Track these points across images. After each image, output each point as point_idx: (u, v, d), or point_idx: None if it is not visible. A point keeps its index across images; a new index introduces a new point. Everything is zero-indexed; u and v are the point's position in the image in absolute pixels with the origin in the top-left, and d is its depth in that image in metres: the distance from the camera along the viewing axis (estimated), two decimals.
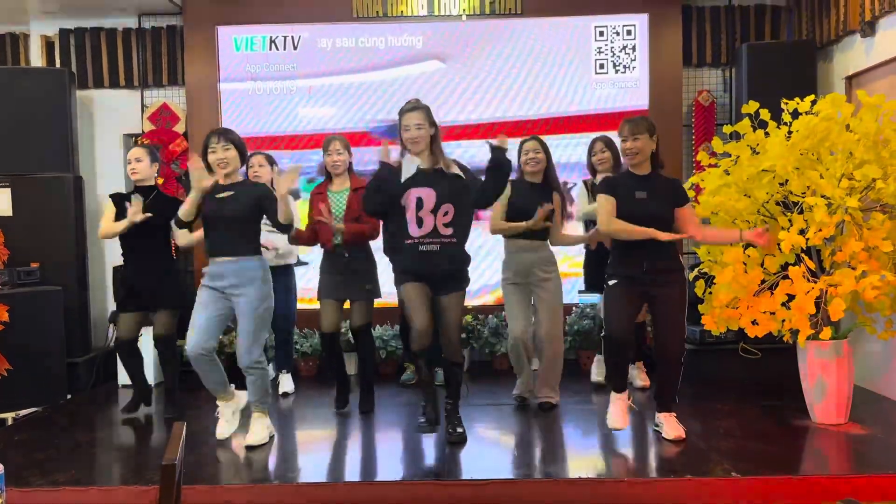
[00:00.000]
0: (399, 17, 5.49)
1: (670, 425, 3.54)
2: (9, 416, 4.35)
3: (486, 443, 3.65)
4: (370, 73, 5.54)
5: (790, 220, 3.65)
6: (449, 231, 3.40)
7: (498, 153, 3.29)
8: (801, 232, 3.58)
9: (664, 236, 3.36)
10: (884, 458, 3.27)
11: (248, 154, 4.34)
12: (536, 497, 3.00)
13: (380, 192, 3.49)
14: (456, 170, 3.45)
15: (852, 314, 3.73)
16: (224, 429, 3.73)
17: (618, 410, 3.57)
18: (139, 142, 5.50)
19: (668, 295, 3.45)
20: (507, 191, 3.96)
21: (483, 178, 3.40)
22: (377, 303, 4.22)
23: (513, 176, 4.04)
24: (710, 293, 3.82)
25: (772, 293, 3.64)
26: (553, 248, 4.14)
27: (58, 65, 5.71)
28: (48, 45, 5.75)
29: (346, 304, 4.16)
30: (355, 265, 4.06)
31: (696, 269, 4.05)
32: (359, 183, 4.11)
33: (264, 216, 3.61)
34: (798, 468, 3.22)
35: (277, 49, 5.54)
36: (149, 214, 3.91)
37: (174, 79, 5.72)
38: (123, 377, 5.03)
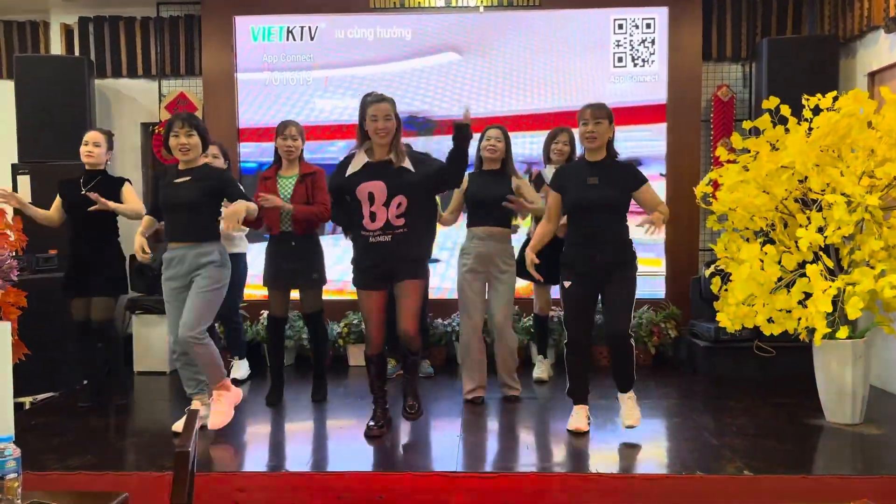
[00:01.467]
0: (416, 8, 5.47)
1: (628, 408, 3.55)
2: (26, 401, 4.40)
3: (492, 436, 3.67)
4: (387, 64, 5.52)
5: (809, 218, 3.61)
6: (401, 222, 3.38)
7: (464, 129, 3.35)
8: (820, 230, 3.54)
9: (531, 254, 3.55)
10: None
11: None
12: (551, 491, 3.00)
13: (341, 203, 3.55)
14: (406, 163, 3.42)
15: (870, 314, 3.69)
16: (216, 417, 3.67)
17: (580, 418, 3.59)
18: (158, 131, 5.52)
19: (617, 283, 3.45)
20: (464, 183, 4.06)
21: (447, 158, 3.43)
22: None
23: (470, 168, 4.12)
24: (726, 290, 3.79)
25: (788, 291, 3.61)
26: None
27: (77, 53, 5.74)
28: (68, 33, 5.78)
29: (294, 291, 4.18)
30: (302, 252, 4.04)
31: (713, 266, 4.02)
32: (308, 169, 4.10)
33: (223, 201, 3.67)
34: (812, 468, 3.20)
35: (294, 39, 5.54)
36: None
37: (191, 68, 5.73)
38: (138, 364, 5.09)
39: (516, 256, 4.26)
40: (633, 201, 3.52)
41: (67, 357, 4.73)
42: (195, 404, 3.62)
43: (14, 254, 4.09)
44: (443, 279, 5.33)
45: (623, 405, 3.58)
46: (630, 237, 3.54)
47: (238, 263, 4.57)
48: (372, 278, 3.47)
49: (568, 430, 3.57)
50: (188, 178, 3.57)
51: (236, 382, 4.56)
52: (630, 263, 3.51)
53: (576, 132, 3.79)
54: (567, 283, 3.51)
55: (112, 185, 4.11)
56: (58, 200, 4.19)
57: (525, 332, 5.10)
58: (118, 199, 4.06)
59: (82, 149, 4.09)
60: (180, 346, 3.60)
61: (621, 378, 3.58)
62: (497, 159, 4.10)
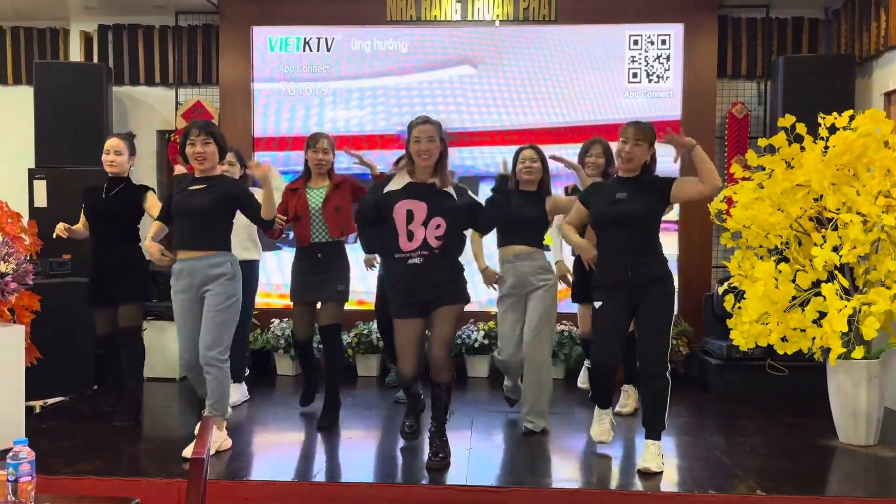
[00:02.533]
0: (433, 21, 5.51)
1: (651, 453, 3.23)
2: (37, 405, 4.41)
3: (502, 451, 3.65)
4: (402, 76, 5.56)
5: (824, 237, 3.59)
6: (438, 244, 3.24)
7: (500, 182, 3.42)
8: (835, 249, 3.52)
9: (586, 253, 3.47)
10: None
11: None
12: None
13: (375, 206, 3.34)
14: (450, 189, 3.32)
15: (885, 334, 3.66)
16: (217, 444, 3.55)
17: (603, 425, 3.52)
18: (174, 139, 5.57)
19: (652, 303, 3.26)
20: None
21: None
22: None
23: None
24: (740, 308, 3.77)
25: (803, 310, 3.58)
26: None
27: (95, 60, 5.80)
28: (87, 40, 5.85)
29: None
30: (330, 265, 3.93)
31: (726, 284, 4.00)
32: (339, 179, 4.01)
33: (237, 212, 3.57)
34: (824, 489, 3.17)
35: (311, 50, 5.58)
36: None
37: (208, 77, 5.79)
38: (149, 370, 5.09)
39: (571, 277, 4.17)
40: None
41: (78, 361, 4.76)
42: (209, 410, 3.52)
43: (29, 258, 4.13)
44: None
45: (646, 450, 3.26)
46: (664, 254, 3.37)
47: (252, 271, 4.47)
48: (409, 307, 3.30)
49: (591, 437, 3.53)
50: (203, 186, 3.49)
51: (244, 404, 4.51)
52: (666, 279, 3.31)
53: (613, 144, 3.66)
54: (598, 304, 3.34)
55: (135, 193, 4.05)
56: (84, 212, 4.15)
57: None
58: (141, 208, 4.03)
59: (104, 157, 4.02)
60: (187, 368, 3.51)
61: (652, 422, 3.26)
62: (534, 181, 3.88)
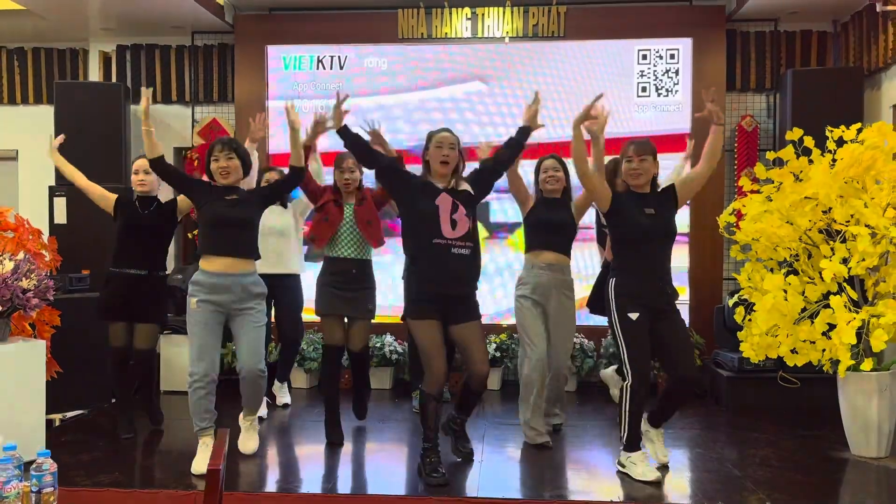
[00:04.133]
0: (444, 38, 5.59)
1: (661, 444, 3.56)
2: (56, 418, 4.49)
3: (514, 463, 3.67)
4: (414, 92, 5.64)
5: (832, 249, 3.61)
6: (475, 239, 3.39)
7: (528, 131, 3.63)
8: (844, 261, 3.54)
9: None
10: None
11: (262, 169, 4.51)
12: None
13: (395, 169, 3.51)
14: (466, 186, 3.45)
15: (895, 346, 3.66)
16: (250, 443, 3.72)
17: (650, 467, 3.35)
18: (191, 156, 5.67)
19: (676, 317, 3.39)
20: (527, 209, 4.03)
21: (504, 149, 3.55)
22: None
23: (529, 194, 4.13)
24: (750, 320, 3.79)
25: (812, 322, 3.60)
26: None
27: (114, 79, 5.93)
28: (106, 60, 5.98)
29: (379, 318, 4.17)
30: (361, 283, 3.94)
31: (736, 296, 4.02)
32: (360, 195, 4.04)
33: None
34: (836, 501, 3.17)
35: (324, 68, 5.68)
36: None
37: (224, 95, 5.89)
38: (165, 384, 5.18)
39: (590, 292, 4.27)
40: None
41: (96, 375, 4.83)
42: (205, 440, 3.47)
43: (49, 274, 4.21)
44: None
45: (657, 440, 3.55)
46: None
47: (297, 283, 4.63)
48: (429, 306, 3.29)
49: (643, 482, 3.28)
50: (236, 196, 3.52)
51: (285, 407, 4.74)
52: (677, 295, 3.48)
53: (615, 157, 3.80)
54: (634, 315, 3.32)
55: (168, 210, 4.11)
56: (111, 199, 4.09)
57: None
58: (175, 223, 4.10)
59: (134, 178, 4.06)
60: (199, 380, 3.44)
61: (667, 416, 3.52)
62: (559, 189, 3.99)
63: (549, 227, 3.92)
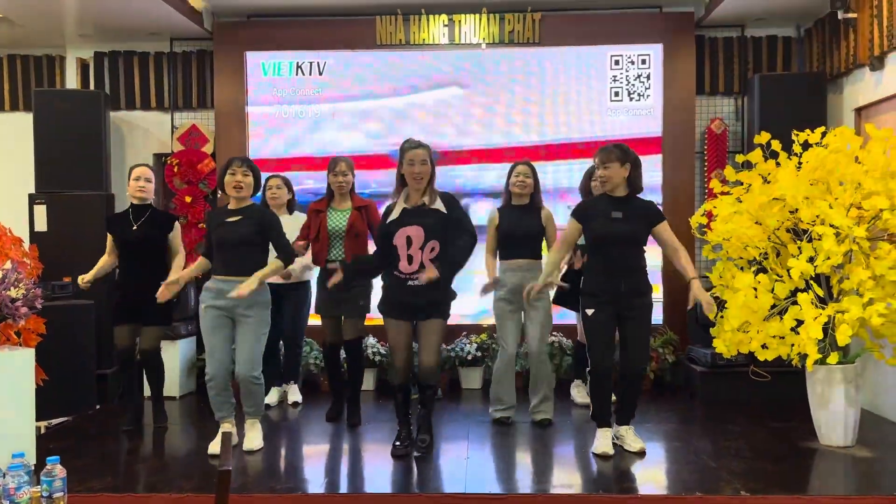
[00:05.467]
0: (421, 45, 5.68)
1: (631, 438, 3.77)
2: (41, 425, 4.51)
3: (498, 459, 3.78)
4: (392, 98, 5.73)
5: (800, 248, 3.78)
6: (435, 265, 3.57)
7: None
8: (811, 259, 3.70)
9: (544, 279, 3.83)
10: (889, 480, 3.38)
11: (267, 176, 4.71)
12: None
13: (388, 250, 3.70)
14: (439, 204, 3.63)
15: (861, 340, 3.84)
16: (256, 440, 3.89)
17: (606, 441, 3.74)
18: (170, 162, 5.69)
19: (639, 314, 3.67)
20: (496, 219, 4.32)
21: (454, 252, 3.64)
22: None
23: (499, 203, 4.47)
24: (722, 317, 3.94)
25: (781, 318, 3.76)
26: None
27: (92, 87, 5.93)
28: (83, 67, 5.97)
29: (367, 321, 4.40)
30: (353, 282, 4.13)
31: (708, 294, 4.17)
32: (361, 202, 4.32)
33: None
34: (806, 489, 3.32)
35: (304, 74, 5.75)
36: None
37: (203, 101, 5.92)
38: (149, 389, 5.19)
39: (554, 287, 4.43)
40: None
41: (81, 382, 4.85)
42: (225, 426, 3.80)
43: (35, 282, 4.23)
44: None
45: (626, 436, 3.79)
46: (646, 268, 3.76)
47: (304, 292, 4.82)
48: (400, 310, 3.68)
49: (594, 454, 3.72)
50: (239, 217, 3.76)
51: (295, 406, 4.86)
52: (649, 293, 3.73)
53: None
54: (590, 311, 3.68)
55: (165, 220, 4.31)
56: (110, 240, 4.34)
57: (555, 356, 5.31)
58: (167, 235, 4.26)
59: (133, 184, 4.26)
60: (214, 384, 3.73)
61: (628, 411, 3.81)
62: (526, 194, 4.32)
63: (517, 238, 4.28)
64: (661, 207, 5.48)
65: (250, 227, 3.74)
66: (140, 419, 4.46)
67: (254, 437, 3.87)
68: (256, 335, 3.75)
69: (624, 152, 3.70)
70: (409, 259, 3.59)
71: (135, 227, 4.24)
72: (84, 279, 4.20)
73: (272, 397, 4.89)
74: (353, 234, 4.21)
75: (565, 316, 5.02)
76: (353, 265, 3.87)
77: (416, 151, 3.61)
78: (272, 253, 3.86)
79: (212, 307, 3.74)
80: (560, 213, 5.03)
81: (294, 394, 4.95)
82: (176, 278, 3.91)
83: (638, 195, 3.76)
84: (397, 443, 3.78)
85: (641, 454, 3.70)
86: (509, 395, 4.35)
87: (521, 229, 4.26)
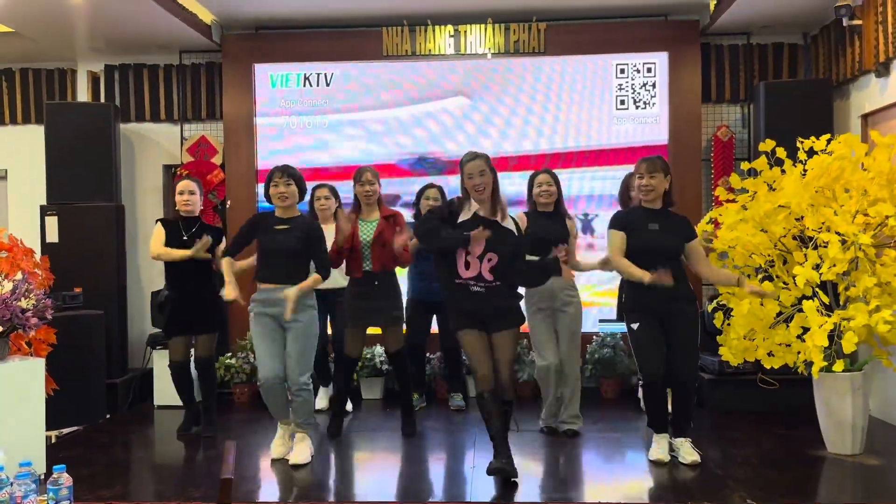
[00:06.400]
0: (427, 55, 5.72)
1: (686, 450, 3.71)
2: (52, 434, 4.55)
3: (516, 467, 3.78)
4: (399, 108, 5.77)
5: (805, 255, 3.77)
6: (491, 277, 3.51)
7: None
8: (816, 267, 3.69)
9: (648, 279, 3.56)
10: None
11: (314, 186, 4.77)
12: None
13: (443, 228, 3.55)
14: (510, 223, 3.61)
15: (868, 347, 3.83)
16: (280, 449, 3.92)
17: (663, 447, 3.73)
18: (180, 173, 5.75)
19: (683, 323, 3.67)
20: (524, 219, 4.25)
21: (531, 260, 3.67)
22: None
23: (525, 208, 4.44)
24: (729, 325, 3.94)
25: (787, 326, 3.75)
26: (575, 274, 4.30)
27: (103, 99, 6.00)
28: (94, 80, 6.05)
29: (370, 329, 4.34)
30: (385, 291, 4.21)
31: (715, 301, 4.17)
32: (388, 211, 4.30)
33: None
34: (813, 497, 3.31)
35: (311, 85, 5.80)
36: (209, 255, 4.21)
37: (212, 113, 5.98)
38: (159, 398, 5.24)
39: (619, 298, 4.33)
40: None
41: (91, 391, 4.90)
42: (281, 427, 3.94)
43: (45, 292, 4.28)
44: None
45: (682, 448, 3.73)
46: (687, 278, 3.78)
47: (328, 300, 4.71)
48: (473, 320, 3.55)
49: (650, 460, 3.73)
50: (287, 227, 3.82)
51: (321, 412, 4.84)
52: (694, 301, 3.75)
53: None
54: (635, 326, 3.69)
55: (214, 235, 4.34)
56: (161, 234, 4.32)
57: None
58: (216, 248, 4.29)
59: (179, 198, 4.36)
60: (267, 388, 3.77)
61: (682, 421, 3.76)
62: (551, 203, 4.32)
63: (546, 243, 4.09)
64: None
65: (298, 238, 3.79)
66: (197, 425, 4.45)
67: (301, 451, 3.82)
68: (305, 341, 3.81)
69: (667, 164, 3.76)
70: (467, 265, 3.52)
71: (186, 237, 4.31)
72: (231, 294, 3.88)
73: (322, 402, 4.95)
74: (380, 243, 4.16)
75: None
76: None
77: (473, 163, 3.54)
78: None
79: (261, 314, 3.80)
80: None
81: (324, 398, 4.99)
82: (230, 279, 3.84)
83: (670, 209, 3.80)
84: (493, 460, 3.45)
85: (693, 466, 3.64)
86: (550, 402, 4.28)
87: (549, 235, 4.15)
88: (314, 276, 3.81)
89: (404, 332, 4.44)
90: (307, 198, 4.41)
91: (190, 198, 4.35)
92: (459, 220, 3.58)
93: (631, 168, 4.37)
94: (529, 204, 4.39)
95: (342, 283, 4.51)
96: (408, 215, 4.88)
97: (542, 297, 4.21)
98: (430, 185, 4.84)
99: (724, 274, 3.81)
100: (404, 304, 4.44)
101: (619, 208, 4.53)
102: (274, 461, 3.84)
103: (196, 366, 4.41)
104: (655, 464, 3.67)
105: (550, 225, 4.26)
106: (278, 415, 3.91)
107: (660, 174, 3.70)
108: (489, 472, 3.43)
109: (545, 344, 4.21)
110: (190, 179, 4.45)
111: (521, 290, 3.80)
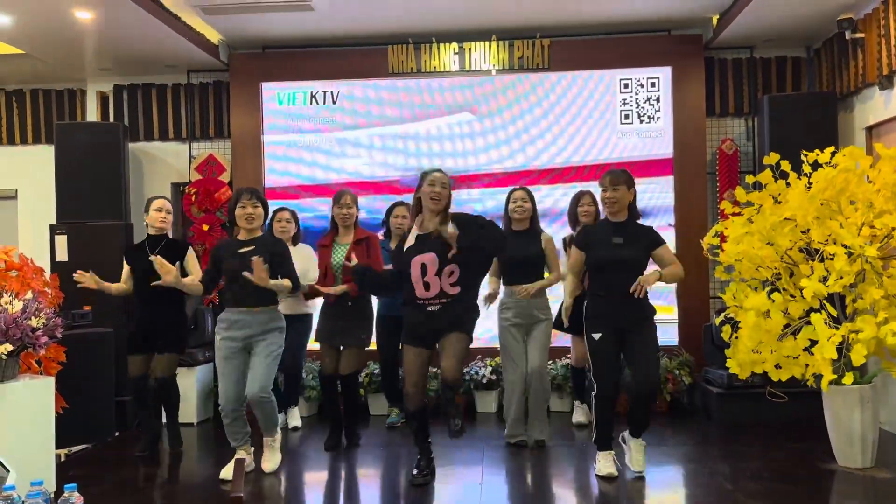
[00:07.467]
0: (432, 72, 5.77)
1: (639, 453, 3.74)
2: (61, 453, 4.56)
3: (515, 484, 3.78)
4: (405, 124, 5.81)
5: (812, 268, 3.77)
6: (456, 290, 3.58)
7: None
8: (823, 279, 3.69)
9: (567, 302, 3.96)
10: None
11: (275, 208, 4.86)
12: None
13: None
14: (450, 228, 3.59)
15: (877, 359, 3.81)
16: (271, 462, 3.96)
17: (608, 463, 3.75)
18: (188, 191, 5.79)
19: (645, 336, 3.66)
20: None
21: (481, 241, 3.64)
22: None
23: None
24: (737, 338, 3.93)
25: (795, 338, 3.74)
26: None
27: (112, 119, 6.07)
28: (103, 100, 6.12)
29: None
30: (355, 312, 4.30)
31: (722, 315, 4.17)
32: (362, 234, 4.37)
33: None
34: None
35: (318, 103, 5.85)
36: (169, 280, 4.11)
37: (220, 131, 6.04)
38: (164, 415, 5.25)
39: (556, 311, 4.47)
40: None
41: (100, 409, 4.90)
42: (240, 454, 3.85)
43: (55, 311, 4.31)
44: None
45: (634, 451, 3.75)
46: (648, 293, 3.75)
47: (305, 323, 4.91)
48: (421, 337, 3.65)
49: (598, 476, 3.71)
50: (251, 248, 3.84)
51: (294, 430, 4.93)
52: (651, 316, 3.73)
53: (597, 193, 4.01)
54: (597, 336, 3.69)
55: (176, 249, 4.39)
56: (127, 269, 4.45)
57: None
58: (181, 262, 4.28)
59: (155, 215, 4.39)
60: (228, 411, 3.81)
61: (640, 422, 3.75)
62: (525, 219, 4.37)
63: (520, 264, 4.32)
64: (672, 229, 5.59)
65: (264, 258, 3.78)
66: (156, 444, 4.50)
67: (269, 457, 3.93)
68: (269, 357, 3.83)
69: (630, 176, 3.75)
70: (426, 286, 3.59)
71: (150, 257, 4.29)
72: (94, 276, 4.19)
73: (294, 420, 4.99)
74: (349, 268, 4.17)
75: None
76: (364, 269, 3.81)
77: (436, 175, 3.65)
78: None
79: (226, 338, 3.83)
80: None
81: (294, 418, 5.01)
82: (175, 280, 3.85)
83: (636, 220, 3.79)
84: (415, 471, 3.70)
85: (639, 477, 3.68)
86: (520, 419, 4.34)
87: (523, 254, 4.29)
88: (284, 281, 3.85)
89: (373, 346, 4.53)
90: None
91: (167, 216, 4.41)
92: (405, 246, 3.68)
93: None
94: (504, 221, 4.44)
95: (290, 311, 4.60)
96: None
97: (518, 313, 4.30)
98: (399, 203, 4.88)
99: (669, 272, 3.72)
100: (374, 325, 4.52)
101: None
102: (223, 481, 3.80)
103: (155, 385, 4.40)
104: (606, 479, 3.67)
105: (524, 243, 4.33)
106: (237, 441, 3.89)
107: (623, 187, 3.69)
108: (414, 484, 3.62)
109: (518, 357, 4.30)
110: (165, 198, 4.50)
111: (480, 306, 3.86)
